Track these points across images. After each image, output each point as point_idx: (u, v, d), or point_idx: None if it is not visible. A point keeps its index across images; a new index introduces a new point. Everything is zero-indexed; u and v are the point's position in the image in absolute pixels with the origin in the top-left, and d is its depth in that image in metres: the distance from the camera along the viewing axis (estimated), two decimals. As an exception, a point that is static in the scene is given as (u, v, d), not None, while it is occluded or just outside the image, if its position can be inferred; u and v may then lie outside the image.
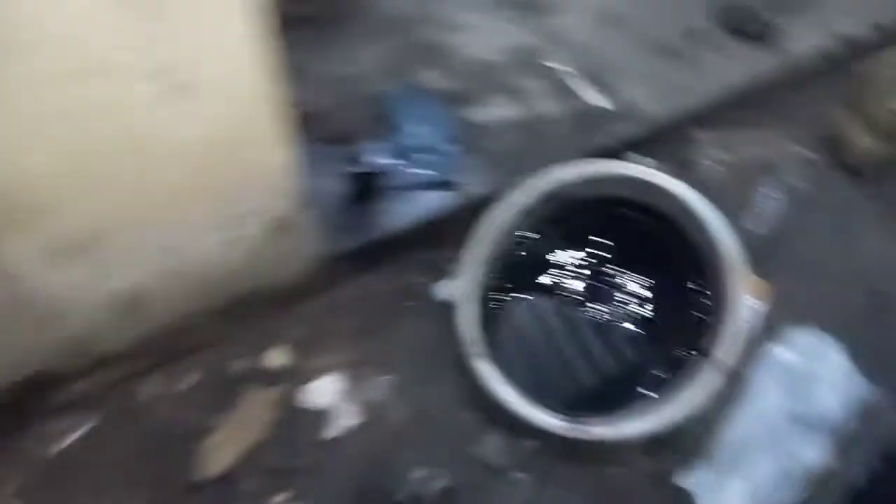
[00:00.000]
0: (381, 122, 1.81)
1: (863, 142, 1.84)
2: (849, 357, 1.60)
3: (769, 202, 1.78)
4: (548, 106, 1.91)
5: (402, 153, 1.73)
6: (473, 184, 1.76)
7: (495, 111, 1.89)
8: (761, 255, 1.76)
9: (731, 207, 1.80)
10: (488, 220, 1.56)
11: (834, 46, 2.08)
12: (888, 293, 1.73)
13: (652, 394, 1.50)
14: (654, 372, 1.54)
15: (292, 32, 1.98)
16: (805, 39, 2.07)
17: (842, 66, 2.08)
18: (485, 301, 1.59)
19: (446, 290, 1.71)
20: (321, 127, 1.77)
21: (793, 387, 1.55)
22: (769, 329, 1.66)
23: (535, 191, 1.56)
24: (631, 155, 1.87)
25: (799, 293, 1.72)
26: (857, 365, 1.60)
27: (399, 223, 1.71)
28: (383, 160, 1.70)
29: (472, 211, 1.68)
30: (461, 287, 1.53)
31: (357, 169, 1.63)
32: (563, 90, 1.94)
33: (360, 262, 1.70)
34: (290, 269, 1.60)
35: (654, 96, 1.93)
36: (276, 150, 1.30)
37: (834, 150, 1.93)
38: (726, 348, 1.41)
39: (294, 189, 1.40)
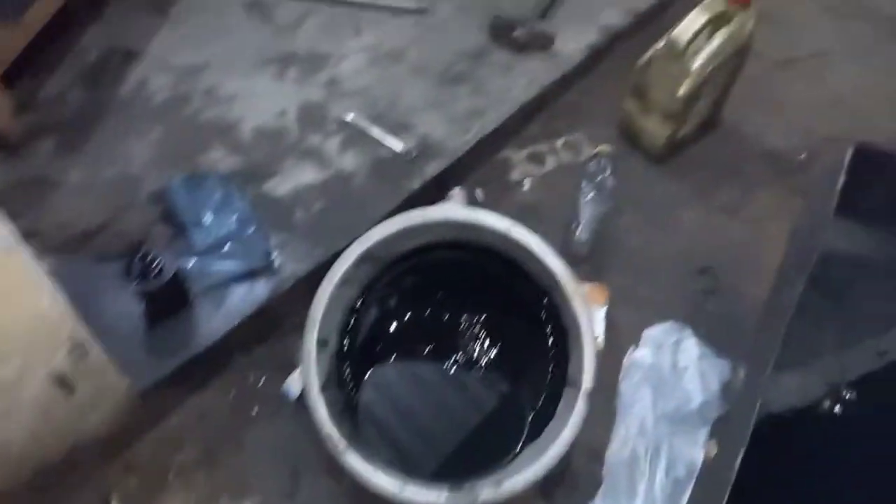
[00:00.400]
0: (169, 222, 1.61)
1: (655, 128, 1.89)
2: (700, 340, 1.62)
3: (587, 206, 1.78)
4: (348, 162, 1.80)
5: (202, 250, 1.55)
6: (290, 263, 1.62)
7: (294, 180, 1.75)
8: (593, 261, 1.77)
9: (555, 220, 1.81)
10: (317, 299, 1.43)
11: (602, 42, 2.14)
12: (715, 267, 1.78)
13: (527, 433, 1.44)
14: (524, 410, 1.47)
15: (36, 145, 1.77)
16: (576, 39, 2.11)
17: (615, 58, 2.16)
18: (340, 384, 1.46)
19: (293, 384, 1.57)
20: (100, 243, 1.57)
21: (661, 387, 1.54)
22: (623, 334, 1.65)
23: (356, 256, 1.44)
24: (448, 192, 1.81)
25: (639, 288, 1.73)
26: (710, 346, 1.62)
27: (220, 327, 1.53)
28: (181, 263, 1.51)
29: (299, 291, 1.56)
30: (306, 379, 1.39)
31: (153, 281, 1.43)
32: (359, 141, 1.84)
33: (188, 380, 1.51)
34: (100, 416, 1.37)
35: (451, 127, 1.88)
36: (26, 295, 1.09)
37: (631, 140, 1.98)
38: (585, 370, 1.36)
39: (69, 331, 1.18)
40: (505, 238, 1.45)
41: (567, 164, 1.95)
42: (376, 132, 1.85)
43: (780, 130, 2.07)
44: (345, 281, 1.45)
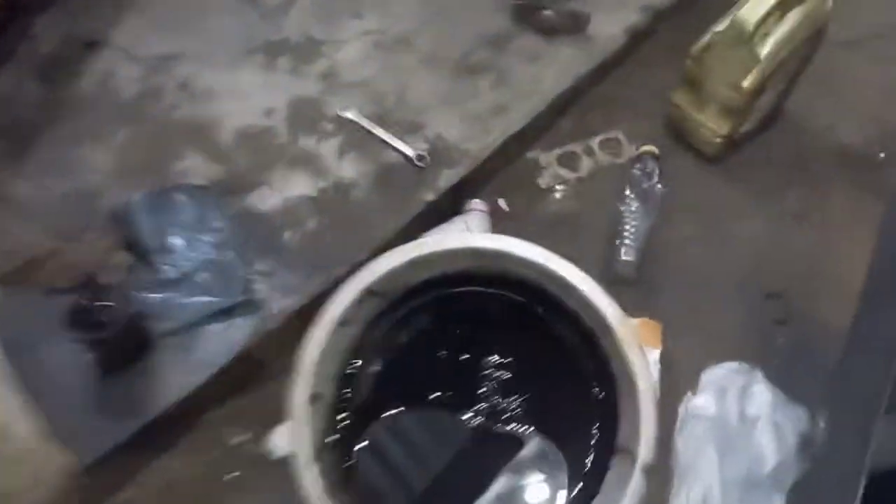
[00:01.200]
0: (132, 246, 1.35)
1: (712, 124, 1.61)
2: (771, 384, 1.35)
3: (632, 218, 1.52)
4: (347, 169, 1.53)
5: (169, 282, 1.29)
6: (278, 296, 1.36)
7: (283, 192, 1.49)
8: (641, 286, 1.50)
9: (593, 235, 1.55)
10: (309, 345, 1.16)
11: (643, 22, 1.85)
12: (785, 289, 1.51)
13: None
14: (563, 478, 1.21)
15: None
16: (613, 20, 1.82)
17: (659, 42, 1.88)
18: (336, 444, 1.20)
19: (280, 440, 1.31)
20: (47, 274, 1.30)
21: (728, 444, 1.28)
22: (677, 374, 1.38)
23: (357, 292, 1.18)
24: (466, 203, 1.54)
25: (695, 319, 1.47)
26: (782, 388, 1.35)
27: (190, 378, 1.29)
28: (142, 300, 1.26)
29: (288, 331, 1.32)
30: (295, 438, 1.13)
31: (111, 323, 1.17)
32: (361, 144, 1.57)
33: (150, 444, 1.26)
34: (48, 493, 1.12)
35: (469, 126, 1.61)
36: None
37: (681, 138, 1.71)
38: (643, 437, 1.09)
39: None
40: (539, 270, 1.18)
41: (605, 166, 1.68)
42: (381, 133, 1.58)
43: (850, 122, 1.81)
44: (344, 321, 1.18)
